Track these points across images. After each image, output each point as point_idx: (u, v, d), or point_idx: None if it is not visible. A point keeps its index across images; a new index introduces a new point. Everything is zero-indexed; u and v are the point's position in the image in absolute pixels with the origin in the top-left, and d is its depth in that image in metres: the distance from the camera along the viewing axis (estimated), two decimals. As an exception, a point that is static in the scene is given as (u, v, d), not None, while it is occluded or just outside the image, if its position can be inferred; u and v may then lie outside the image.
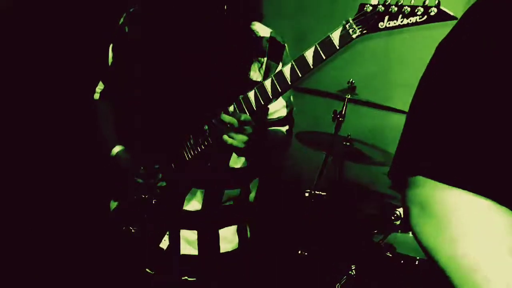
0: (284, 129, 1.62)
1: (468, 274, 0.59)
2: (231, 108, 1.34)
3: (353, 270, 2.05)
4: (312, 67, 1.23)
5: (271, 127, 1.59)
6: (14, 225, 2.47)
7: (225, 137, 1.32)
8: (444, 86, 0.67)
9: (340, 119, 2.47)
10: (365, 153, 2.76)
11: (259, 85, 1.29)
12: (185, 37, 1.39)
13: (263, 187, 1.72)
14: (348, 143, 2.74)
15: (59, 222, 2.60)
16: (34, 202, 2.57)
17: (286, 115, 1.60)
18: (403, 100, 2.42)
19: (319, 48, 1.21)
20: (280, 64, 1.50)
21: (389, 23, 1.16)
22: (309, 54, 1.23)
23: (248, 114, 1.31)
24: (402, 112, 2.39)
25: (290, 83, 1.27)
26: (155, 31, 1.43)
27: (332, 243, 2.50)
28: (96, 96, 1.69)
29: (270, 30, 1.51)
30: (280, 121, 1.59)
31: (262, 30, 1.50)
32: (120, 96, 1.56)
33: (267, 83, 1.28)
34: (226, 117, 1.31)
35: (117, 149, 1.56)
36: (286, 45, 1.53)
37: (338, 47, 1.20)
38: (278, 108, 1.57)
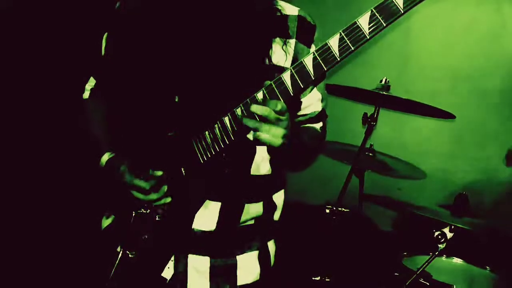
0: (318, 126, 1.38)
1: None
2: (259, 95, 1.04)
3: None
4: (339, 58, 0.99)
5: (304, 124, 1.35)
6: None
7: (258, 133, 1.02)
8: None
9: (372, 123, 2.18)
10: (390, 166, 2.50)
11: (298, 64, 1.00)
12: (192, 14, 1.15)
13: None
14: (371, 154, 2.50)
15: (43, 240, 2.29)
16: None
17: (321, 110, 1.35)
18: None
19: (344, 36, 0.97)
20: (313, 46, 1.25)
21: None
22: (333, 43, 0.99)
23: (282, 101, 1.02)
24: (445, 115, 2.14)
25: (313, 77, 1.00)
26: (157, 8, 1.19)
27: (358, 267, 2.21)
28: (86, 94, 1.43)
29: (298, 9, 1.26)
30: (315, 118, 1.35)
31: (288, 8, 1.26)
32: (114, 90, 1.29)
33: (286, 77, 1.00)
34: (257, 108, 1.00)
35: (106, 156, 1.26)
36: (317, 25, 1.27)
37: (368, 36, 0.95)
38: (312, 102, 1.33)
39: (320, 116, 1.35)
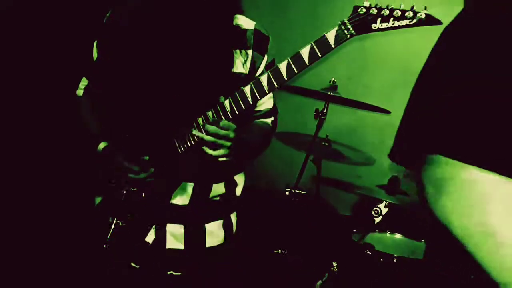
0: (270, 120, 1.65)
1: (484, 239, 0.66)
2: (209, 114, 1.37)
3: (335, 267, 2.09)
4: (308, 64, 1.26)
5: (258, 119, 1.62)
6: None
7: (207, 149, 1.36)
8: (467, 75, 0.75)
9: (322, 117, 2.52)
10: (343, 153, 2.83)
11: (255, 80, 1.31)
12: (169, 33, 1.41)
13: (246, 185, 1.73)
14: (326, 144, 2.82)
15: (44, 217, 2.55)
16: (16, 197, 2.51)
17: (272, 107, 1.64)
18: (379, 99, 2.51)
19: (314, 46, 1.24)
20: (266, 56, 1.53)
21: (381, 25, 1.20)
22: (304, 52, 1.26)
23: (244, 108, 1.33)
24: (380, 110, 2.46)
25: (286, 79, 1.29)
26: (139, 28, 1.44)
27: (313, 241, 2.54)
28: (80, 92, 1.68)
29: (254, 23, 1.53)
30: (267, 113, 1.63)
31: (246, 23, 1.52)
32: (105, 91, 1.56)
33: (263, 78, 1.30)
34: (208, 127, 1.34)
35: (102, 145, 1.55)
36: (270, 36, 1.56)
37: (333, 46, 1.23)
38: (265, 101, 1.61)
39: (271, 112, 1.63)
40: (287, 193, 2.60)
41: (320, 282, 2.04)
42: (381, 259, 2.18)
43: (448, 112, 0.74)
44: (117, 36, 1.46)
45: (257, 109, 1.61)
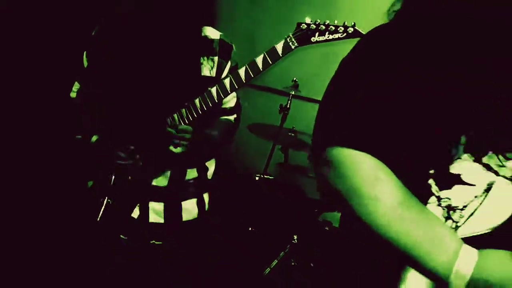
0: (233, 117, 1.94)
1: (370, 202, 0.92)
2: (183, 111, 1.69)
3: (296, 240, 2.41)
4: (261, 69, 1.57)
5: (222, 116, 1.92)
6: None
7: (172, 148, 1.70)
8: (355, 88, 0.99)
9: (286, 112, 2.83)
10: (307, 143, 3.15)
11: (220, 83, 1.61)
12: (148, 45, 1.70)
13: (219, 172, 2.04)
14: (292, 134, 3.14)
15: (44, 202, 2.80)
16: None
17: (234, 105, 1.93)
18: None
19: (266, 56, 1.55)
20: (229, 61, 1.82)
21: (319, 38, 1.52)
22: (259, 60, 1.57)
23: (211, 105, 1.65)
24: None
25: (244, 81, 1.60)
26: (123, 41, 1.73)
27: (279, 220, 2.85)
28: (73, 94, 1.94)
29: (220, 33, 1.83)
30: (230, 111, 1.92)
31: (212, 33, 1.82)
32: (95, 94, 1.84)
33: (226, 81, 1.61)
34: (170, 130, 1.67)
35: (95, 137, 1.83)
36: (233, 45, 1.86)
37: (281, 55, 1.54)
38: (229, 99, 1.90)
39: (234, 109, 1.92)
40: (257, 178, 2.92)
41: (282, 252, 2.36)
42: (337, 234, 2.52)
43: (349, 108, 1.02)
44: (103, 48, 1.74)
45: (222, 107, 1.90)
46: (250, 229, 2.75)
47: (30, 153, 2.83)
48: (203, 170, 1.93)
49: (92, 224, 1.79)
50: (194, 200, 1.89)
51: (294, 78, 2.81)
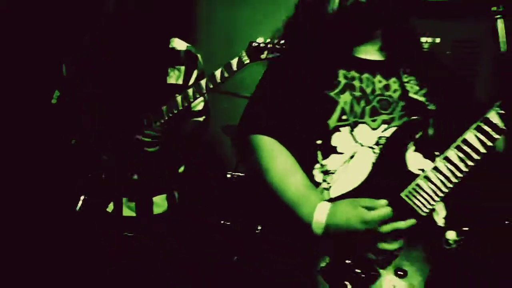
0: (202, 118, 2.17)
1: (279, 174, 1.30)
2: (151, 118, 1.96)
3: (258, 229, 2.65)
4: (219, 81, 1.81)
5: (192, 118, 2.14)
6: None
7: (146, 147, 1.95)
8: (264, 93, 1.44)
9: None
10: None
11: (184, 91, 1.86)
12: (120, 57, 1.94)
13: (193, 169, 2.26)
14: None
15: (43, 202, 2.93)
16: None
17: (203, 108, 2.15)
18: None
19: (223, 70, 1.79)
20: (196, 70, 2.06)
21: (268, 55, 1.75)
22: (217, 73, 1.80)
23: (179, 110, 1.90)
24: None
25: (205, 91, 1.84)
26: (97, 55, 1.97)
27: (247, 213, 3.06)
28: (54, 101, 2.15)
29: (187, 45, 2.06)
30: (199, 113, 2.15)
31: (179, 45, 2.05)
32: (74, 101, 2.06)
33: (190, 90, 1.87)
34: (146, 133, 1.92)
35: (74, 140, 2.05)
36: (198, 55, 2.10)
37: (235, 70, 1.78)
38: (198, 103, 2.12)
39: (202, 112, 2.14)
40: (228, 175, 3.14)
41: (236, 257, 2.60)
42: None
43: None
44: (81, 61, 1.97)
45: (192, 110, 2.13)
46: (222, 222, 2.98)
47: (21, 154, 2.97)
48: (174, 167, 2.16)
49: (70, 219, 2.01)
50: (164, 196, 2.11)
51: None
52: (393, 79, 1.36)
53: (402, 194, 1.20)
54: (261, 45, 1.75)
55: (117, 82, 1.95)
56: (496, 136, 1.12)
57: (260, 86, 1.46)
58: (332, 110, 1.32)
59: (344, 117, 1.32)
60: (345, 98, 1.33)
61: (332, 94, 1.33)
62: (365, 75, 1.36)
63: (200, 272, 2.52)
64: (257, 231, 2.64)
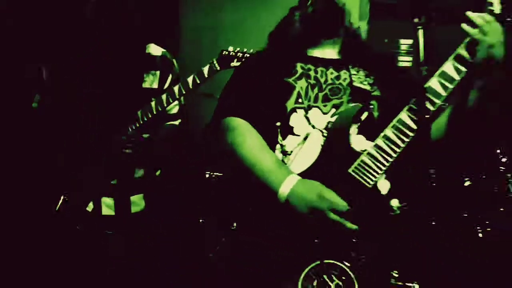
0: (177, 122, 2.27)
1: (250, 150, 1.41)
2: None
3: (234, 226, 2.76)
4: (191, 88, 1.92)
5: (168, 121, 2.24)
6: None
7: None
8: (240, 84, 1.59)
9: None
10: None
11: (159, 96, 1.97)
12: (98, 63, 2.04)
13: (172, 170, 2.36)
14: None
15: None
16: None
17: (178, 111, 2.25)
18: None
19: (195, 76, 1.90)
20: (170, 75, 2.16)
21: (237, 63, 1.87)
22: (189, 79, 1.91)
23: (154, 113, 2.02)
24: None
25: (178, 97, 1.95)
26: (77, 61, 2.07)
27: (224, 210, 3.18)
28: (35, 105, 2.23)
29: (162, 50, 2.16)
30: (174, 116, 2.25)
31: (155, 50, 2.15)
32: (54, 105, 2.16)
33: (163, 96, 1.97)
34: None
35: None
36: (174, 60, 2.20)
37: (207, 76, 1.89)
38: (173, 107, 2.22)
39: (178, 115, 2.24)
40: (207, 175, 3.25)
41: (211, 254, 2.71)
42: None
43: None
44: (61, 67, 2.06)
45: (167, 113, 2.23)
46: (200, 221, 3.09)
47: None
48: (150, 169, 2.26)
49: (52, 218, 2.10)
50: (141, 195, 2.21)
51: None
52: (344, 71, 1.55)
53: (350, 170, 1.37)
54: (231, 53, 1.86)
55: (96, 86, 2.04)
56: (425, 115, 1.30)
57: (231, 80, 1.62)
58: (290, 93, 1.49)
59: (300, 100, 1.49)
60: (301, 84, 1.51)
61: (290, 80, 1.51)
62: (320, 68, 1.54)
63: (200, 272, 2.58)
64: (232, 228, 2.76)
